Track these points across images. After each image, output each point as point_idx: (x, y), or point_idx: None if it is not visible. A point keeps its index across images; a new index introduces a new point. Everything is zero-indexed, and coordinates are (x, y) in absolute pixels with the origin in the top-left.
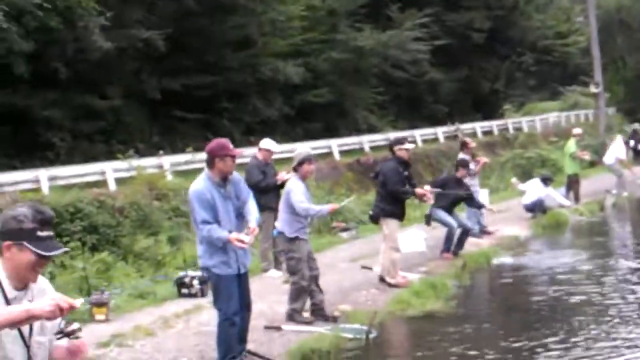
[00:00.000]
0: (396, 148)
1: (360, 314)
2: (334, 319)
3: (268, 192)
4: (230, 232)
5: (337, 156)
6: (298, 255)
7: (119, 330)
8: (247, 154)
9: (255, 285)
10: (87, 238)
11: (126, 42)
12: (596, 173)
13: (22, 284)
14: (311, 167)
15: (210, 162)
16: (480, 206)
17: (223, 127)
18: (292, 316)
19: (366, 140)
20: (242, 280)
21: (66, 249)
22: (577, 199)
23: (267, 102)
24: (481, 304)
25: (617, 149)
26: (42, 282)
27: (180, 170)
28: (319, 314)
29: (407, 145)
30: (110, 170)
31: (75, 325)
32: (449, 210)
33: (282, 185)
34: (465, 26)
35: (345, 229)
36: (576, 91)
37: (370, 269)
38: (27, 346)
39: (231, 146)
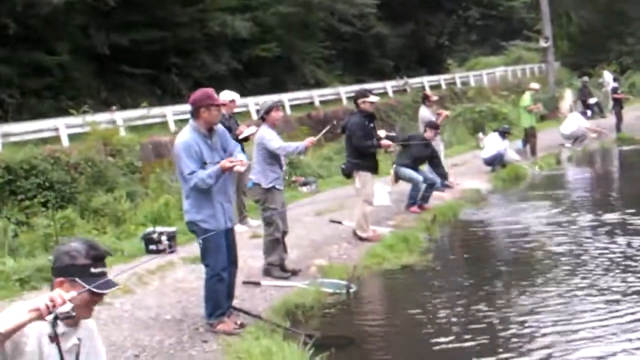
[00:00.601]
0: (360, 101)
1: (337, 269)
2: (295, 273)
3: None
4: (219, 190)
5: (288, 111)
6: (274, 206)
7: None
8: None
9: None
10: (42, 195)
11: None
12: (547, 126)
13: (73, 321)
14: (279, 113)
15: (195, 113)
16: (442, 175)
17: (171, 82)
18: (269, 271)
19: (316, 95)
20: (229, 234)
21: (119, 286)
22: (533, 152)
23: (216, 57)
24: (457, 257)
25: (578, 120)
26: (90, 323)
27: (133, 125)
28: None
29: (372, 98)
30: (63, 126)
31: (66, 307)
32: (414, 167)
33: (245, 139)
34: None
35: (305, 183)
36: (519, 46)
37: (339, 222)
38: None
39: (215, 95)
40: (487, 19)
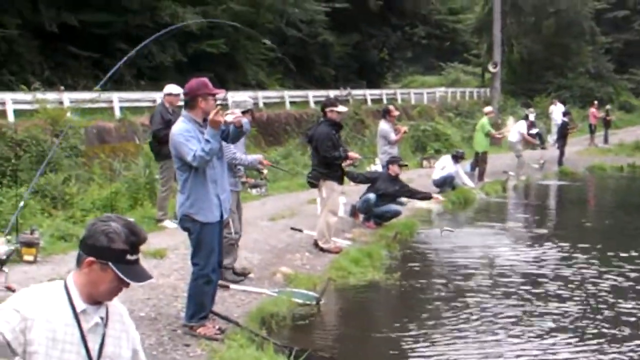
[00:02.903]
0: (328, 110)
1: (302, 278)
2: (245, 275)
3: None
4: (214, 181)
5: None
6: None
7: (54, 274)
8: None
9: (163, 238)
10: None
11: None
12: (491, 152)
13: (94, 301)
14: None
15: (191, 102)
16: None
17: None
18: (223, 273)
19: (261, 96)
20: (220, 230)
21: (153, 279)
22: (481, 177)
23: (162, 47)
24: (424, 276)
25: (519, 126)
26: (119, 306)
27: (78, 108)
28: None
29: (340, 108)
30: (10, 101)
31: None
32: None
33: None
34: None
35: (255, 186)
36: (457, 68)
37: (300, 230)
38: None
39: (211, 85)
40: (431, 39)
